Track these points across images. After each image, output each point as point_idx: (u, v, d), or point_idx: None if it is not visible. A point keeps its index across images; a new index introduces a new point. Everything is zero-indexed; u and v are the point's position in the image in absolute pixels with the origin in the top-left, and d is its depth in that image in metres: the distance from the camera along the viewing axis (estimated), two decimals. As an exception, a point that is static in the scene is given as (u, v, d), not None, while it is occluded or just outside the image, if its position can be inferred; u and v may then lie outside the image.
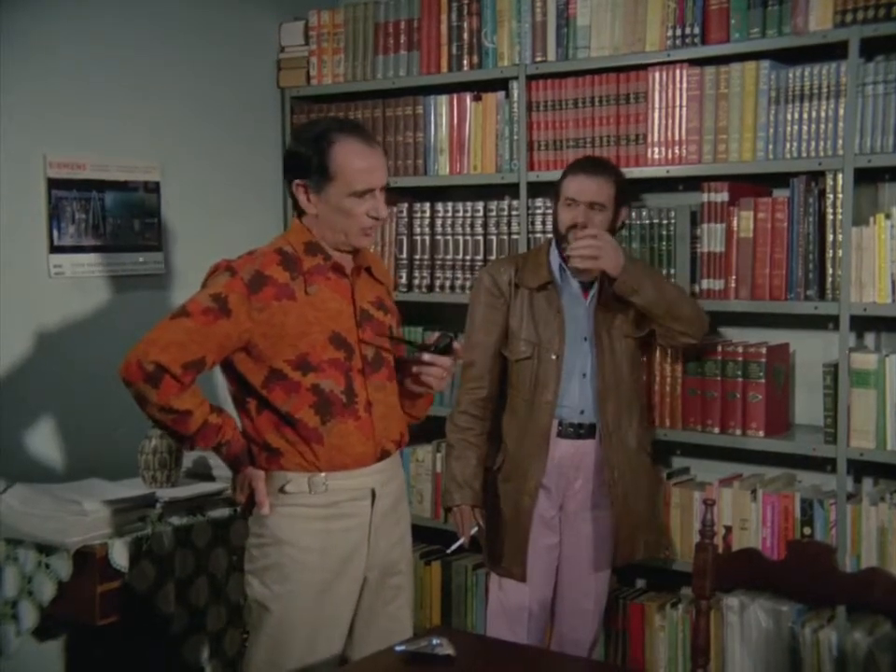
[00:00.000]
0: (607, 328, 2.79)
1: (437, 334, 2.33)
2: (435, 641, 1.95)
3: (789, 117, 2.87)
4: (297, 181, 2.24)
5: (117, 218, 3.28)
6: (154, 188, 3.39)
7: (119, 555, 2.66)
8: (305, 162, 2.21)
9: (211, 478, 3.11)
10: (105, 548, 2.66)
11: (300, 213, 2.29)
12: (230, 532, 2.91)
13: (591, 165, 2.79)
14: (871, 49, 2.77)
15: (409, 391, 2.36)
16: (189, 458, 3.11)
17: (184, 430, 2.20)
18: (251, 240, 3.71)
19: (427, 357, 2.28)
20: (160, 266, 3.42)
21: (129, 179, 3.31)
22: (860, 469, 2.92)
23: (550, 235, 3.22)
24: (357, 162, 2.20)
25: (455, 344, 2.30)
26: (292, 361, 2.20)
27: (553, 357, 2.77)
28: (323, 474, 2.23)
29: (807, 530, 2.88)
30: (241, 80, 3.68)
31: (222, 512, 2.92)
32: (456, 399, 2.90)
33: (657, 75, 3.05)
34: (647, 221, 3.10)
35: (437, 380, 2.30)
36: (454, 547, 2.89)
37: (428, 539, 3.60)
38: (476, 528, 2.83)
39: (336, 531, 2.25)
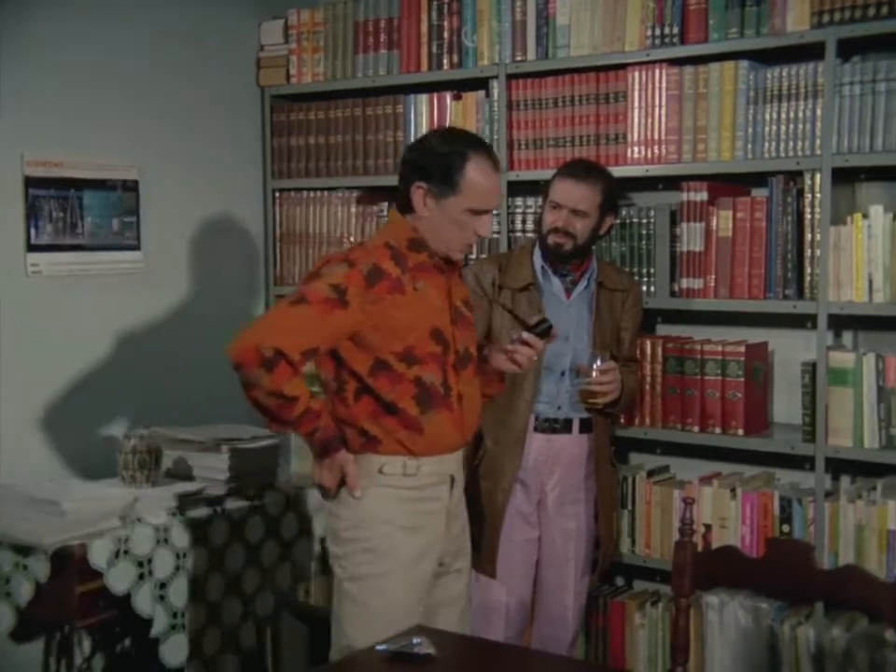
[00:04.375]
0: (600, 327, 2.81)
1: (537, 316, 2.45)
2: (415, 640, 1.95)
3: (767, 117, 2.88)
4: (419, 183, 2.29)
5: (95, 217, 3.26)
6: (133, 186, 3.37)
7: (98, 556, 2.65)
8: (436, 169, 2.27)
9: (191, 478, 3.10)
10: (84, 548, 2.65)
11: (402, 209, 2.35)
12: (209, 533, 2.90)
13: (580, 171, 2.78)
14: (847, 49, 2.78)
15: (490, 370, 2.45)
16: (168, 458, 3.09)
17: (286, 416, 2.24)
18: (231, 238, 3.74)
19: (526, 336, 2.38)
20: (139, 265, 3.40)
21: (107, 178, 3.29)
22: (837, 466, 2.94)
23: (530, 234, 3.24)
24: (484, 183, 2.28)
25: (554, 330, 2.41)
26: (398, 353, 2.27)
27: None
28: (418, 459, 2.31)
29: (786, 528, 2.90)
30: (220, 79, 3.67)
31: (201, 513, 2.91)
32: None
33: (636, 74, 3.06)
34: (627, 220, 3.11)
35: (527, 360, 2.40)
36: None
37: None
38: None
39: (422, 513, 2.34)
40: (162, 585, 2.78)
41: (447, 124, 3.40)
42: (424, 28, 3.43)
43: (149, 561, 2.75)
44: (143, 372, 3.42)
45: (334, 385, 2.33)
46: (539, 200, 3.10)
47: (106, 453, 3.05)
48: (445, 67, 3.40)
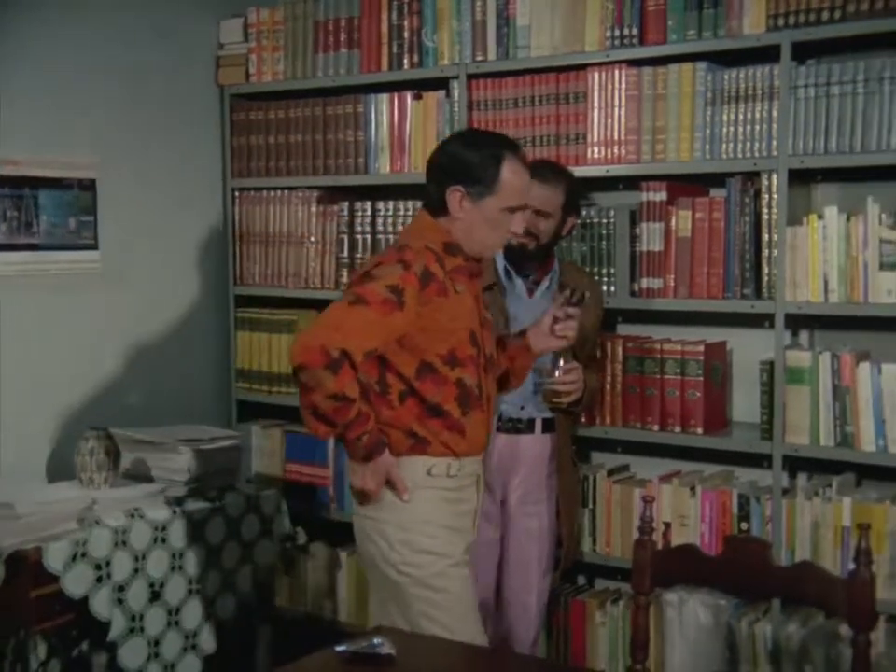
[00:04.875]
0: None
1: (569, 289, 2.50)
2: (376, 641, 1.95)
3: (725, 118, 2.91)
4: (455, 186, 2.31)
5: (51, 216, 3.23)
6: (90, 185, 3.33)
7: (54, 559, 2.62)
8: (473, 172, 2.30)
9: (150, 479, 3.07)
10: (39, 552, 2.61)
11: (434, 212, 2.35)
12: (168, 534, 2.88)
13: (543, 171, 2.78)
14: (802, 52, 2.82)
15: (524, 358, 2.52)
16: (127, 459, 3.07)
17: (341, 419, 2.21)
18: (190, 238, 3.71)
19: (571, 310, 2.47)
20: (96, 265, 3.37)
21: (63, 177, 3.25)
22: (795, 464, 2.97)
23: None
24: (518, 181, 2.33)
25: (587, 294, 2.54)
26: (443, 356, 2.30)
27: (495, 356, 2.79)
28: (460, 460, 2.35)
29: (744, 525, 2.92)
30: (179, 77, 3.64)
31: (161, 514, 2.89)
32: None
33: (596, 75, 3.07)
34: (587, 220, 3.12)
35: (572, 331, 2.49)
36: None
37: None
38: None
39: (459, 513, 2.38)
40: (121, 588, 2.76)
41: (408, 124, 3.40)
42: (384, 28, 3.42)
43: (107, 563, 2.73)
44: (101, 373, 3.39)
45: (377, 388, 2.31)
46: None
47: (64, 454, 3.02)
48: (406, 67, 3.39)
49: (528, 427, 2.84)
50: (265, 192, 3.70)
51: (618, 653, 3.11)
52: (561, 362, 2.70)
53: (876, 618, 1.99)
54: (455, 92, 3.29)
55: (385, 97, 3.44)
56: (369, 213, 3.50)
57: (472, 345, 2.34)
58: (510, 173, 2.31)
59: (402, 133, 3.42)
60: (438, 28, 3.32)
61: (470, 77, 3.26)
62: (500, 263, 2.85)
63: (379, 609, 2.44)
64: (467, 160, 2.32)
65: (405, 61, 3.39)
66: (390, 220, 3.46)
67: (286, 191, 3.66)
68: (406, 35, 3.39)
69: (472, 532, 2.43)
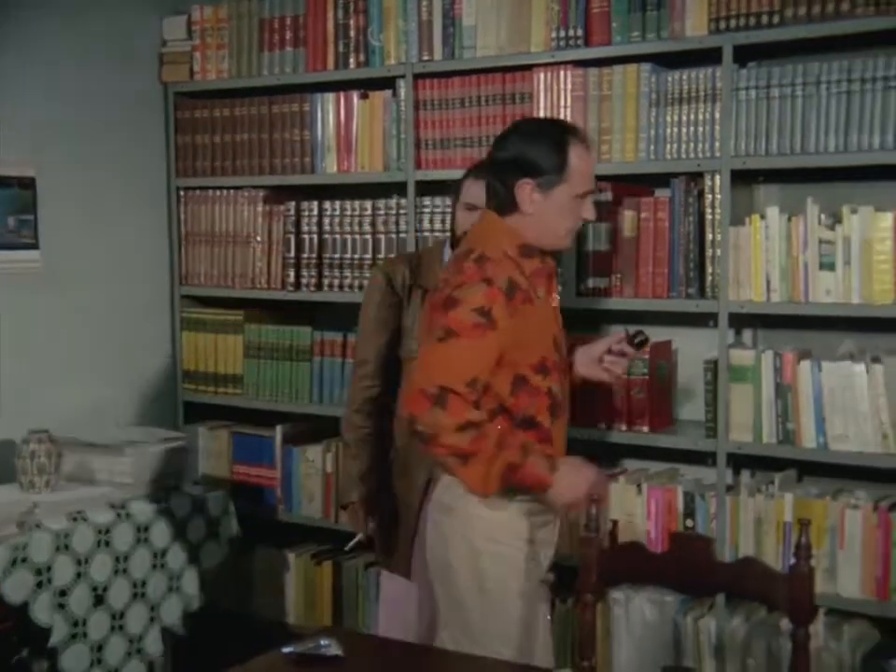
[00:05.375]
0: None
1: (635, 329, 2.48)
2: (323, 642, 1.94)
3: (669, 119, 2.94)
4: (525, 180, 2.24)
5: (-11, 215, 3.17)
6: (29, 183, 3.28)
7: (-6, 565, 2.57)
8: (540, 162, 2.24)
9: (94, 482, 3.03)
10: (-21, 557, 2.57)
11: (502, 212, 2.27)
12: (112, 537, 2.84)
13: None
14: (744, 55, 2.85)
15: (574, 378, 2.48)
16: (69, 462, 3.02)
17: (486, 447, 2.11)
18: (134, 237, 3.67)
19: (626, 348, 2.46)
20: (37, 265, 3.31)
21: (1, 174, 3.19)
22: (739, 461, 3.01)
23: (438, 234, 3.24)
24: (585, 165, 2.28)
25: (648, 344, 2.51)
26: (534, 365, 2.24)
27: (443, 355, 2.78)
28: None
29: (690, 522, 2.96)
30: (122, 74, 3.59)
31: (104, 517, 2.85)
32: (350, 398, 2.88)
33: (542, 75, 3.08)
34: (533, 220, 3.13)
35: (622, 370, 2.51)
36: (352, 544, 2.92)
37: (319, 538, 3.58)
38: (371, 525, 2.84)
39: (538, 525, 2.33)
40: (62, 593, 2.72)
41: (354, 124, 3.39)
42: (330, 26, 3.41)
43: (48, 568, 2.68)
44: (43, 374, 3.34)
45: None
46: (447, 199, 3.11)
47: (3, 458, 2.96)
48: (352, 66, 3.38)
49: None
50: (210, 192, 3.67)
51: (565, 651, 3.13)
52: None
53: (816, 611, 2.02)
54: (402, 92, 3.29)
55: (331, 96, 3.43)
56: (315, 213, 3.48)
57: (556, 351, 2.31)
58: (576, 158, 2.26)
59: (349, 132, 3.41)
60: (384, 27, 3.32)
61: (417, 76, 3.26)
62: (447, 257, 2.84)
63: (425, 629, 2.41)
64: (531, 151, 2.25)
65: (351, 60, 3.38)
66: (337, 220, 3.44)
67: (231, 191, 3.63)
68: (352, 34, 3.37)
69: (554, 545, 2.41)
